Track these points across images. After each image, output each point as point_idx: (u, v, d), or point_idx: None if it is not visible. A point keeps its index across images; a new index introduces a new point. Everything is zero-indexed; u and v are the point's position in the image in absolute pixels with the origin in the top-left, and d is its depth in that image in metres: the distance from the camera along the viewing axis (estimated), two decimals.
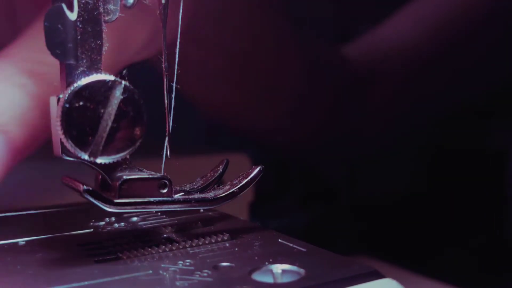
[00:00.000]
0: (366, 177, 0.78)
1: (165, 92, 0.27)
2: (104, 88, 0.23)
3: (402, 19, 0.62)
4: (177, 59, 0.27)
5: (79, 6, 0.23)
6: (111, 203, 0.24)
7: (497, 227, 0.67)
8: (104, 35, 0.24)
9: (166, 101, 0.27)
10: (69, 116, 0.22)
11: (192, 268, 0.23)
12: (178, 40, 0.27)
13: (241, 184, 0.27)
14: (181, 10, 0.27)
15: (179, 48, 0.27)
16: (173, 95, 0.27)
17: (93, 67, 0.24)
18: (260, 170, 0.28)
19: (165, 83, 0.27)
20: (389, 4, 0.62)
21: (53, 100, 0.24)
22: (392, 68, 0.62)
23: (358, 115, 0.65)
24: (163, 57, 0.27)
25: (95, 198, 0.24)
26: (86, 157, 0.23)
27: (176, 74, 0.27)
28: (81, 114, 0.23)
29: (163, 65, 0.27)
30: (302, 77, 0.59)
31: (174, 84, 0.27)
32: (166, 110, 0.27)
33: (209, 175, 0.29)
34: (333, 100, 0.63)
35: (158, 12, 0.27)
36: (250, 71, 0.55)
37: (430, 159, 0.76)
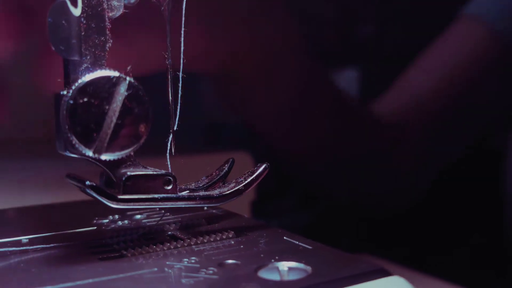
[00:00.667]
0: (367, 177, 0.77)
1: (169, 89, 0.27)
2: (109, 85, 0.23)
3: (418, 71, 0.66)
4: (182, 58, 0.27)
5: (83, 2, 0.23)
6: (115, 199, 0.24)
7: (498, 226, 0.67)
8: (108, 31, 0.24)
9: (170, 97, 0.27)
10: (73, 112, 0.22)
11: (198, 265, 0.23)
12: (182, 37, 0.27)
13: (246, 182, 0.27)
14: (184, 6, 0.27)
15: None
16: (179, 92, 0.26)
17: (97, 63, 0.24)
18: (265, 167, 0.27)
19: (169, 80, 0.27)
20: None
21: (56, 96, 0.24)
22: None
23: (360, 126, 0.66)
24: (167, 53, 0.27)
25: (99, 194, 0.23)
26: (90, 153, 0.23)
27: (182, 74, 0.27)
28: (86, 110, 0.22)
29: (167, 62, 0.26)
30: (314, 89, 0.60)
31: (180, 81, 0.27)
32: (171, 107, 0.27)
33: (214, 174, 0.29)
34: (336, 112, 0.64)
35: (162, 8, 0.26)
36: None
37: (431, 158, 0.76)
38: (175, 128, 0.27)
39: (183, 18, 0.27)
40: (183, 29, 0.27)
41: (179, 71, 0.27)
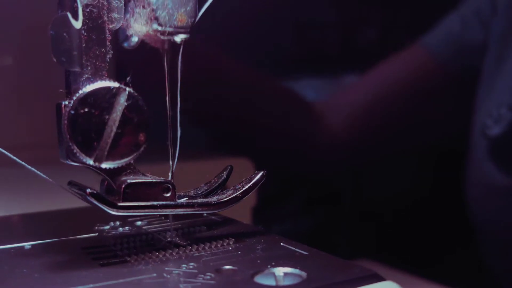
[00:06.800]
0: (369, 182, 0.78)
1: (169, 134, 0.27)
2: (109, 95, 0.24)
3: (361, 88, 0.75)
4: (179, 77, 0.27)
5: (84, 15, 0.24)
6: (115, 206, 0.24)
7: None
8: (108, 43, 0.25)
9: (169, 141, 0.27)
10: (74, 122, 0.23)
11: (196, 271, 0.23)
12: (179, 80, 0.28)
13: (244, 189, 0.27)
14: (180, 54, 0.27)
15: None
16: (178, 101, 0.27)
17: (98, 74, 0.24)
18: (262, 175, 0.28)
19: (169, 130, 0.27)
20: None
21: (58, 106, 0.24)
22: None
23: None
24: (167, 103, 0.27)
25: (100, 201, 0.24)
26: (91, 162, 0.23)
27: None
28: (87, 120, 0.23)
29: (168, 113, 0.27)
30: None
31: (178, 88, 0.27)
32: (168, 121, 0.27)
33: (213, 181, 0.29)
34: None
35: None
36: None
37: (431, 165, 0.76)
38: (177, 137, 0.27)
39: (180, 64, 0.27)
40: (179, 74, 0.27)
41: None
